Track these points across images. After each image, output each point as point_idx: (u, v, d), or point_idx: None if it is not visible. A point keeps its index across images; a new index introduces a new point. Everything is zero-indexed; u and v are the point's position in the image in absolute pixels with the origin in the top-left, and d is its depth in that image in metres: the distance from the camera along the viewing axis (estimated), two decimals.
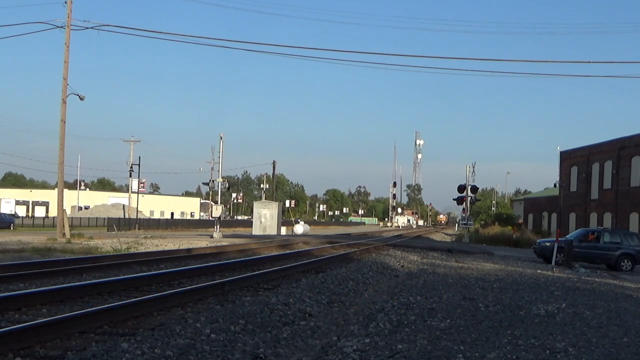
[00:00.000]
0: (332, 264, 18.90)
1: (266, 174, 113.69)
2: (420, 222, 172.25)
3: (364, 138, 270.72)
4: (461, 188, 45.84)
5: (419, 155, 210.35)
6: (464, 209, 47.38)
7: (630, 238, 28.78)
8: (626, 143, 49.91)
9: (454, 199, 47.47)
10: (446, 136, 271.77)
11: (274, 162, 79.21)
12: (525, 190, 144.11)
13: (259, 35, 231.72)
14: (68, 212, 50.29)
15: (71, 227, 36.31)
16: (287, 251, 24.48)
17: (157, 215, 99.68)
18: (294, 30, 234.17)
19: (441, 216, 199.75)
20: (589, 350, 7.65)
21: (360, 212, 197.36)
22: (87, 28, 33.17)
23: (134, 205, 75.65)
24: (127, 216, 69.94)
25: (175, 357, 6.43)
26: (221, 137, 42.05)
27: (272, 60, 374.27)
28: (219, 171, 42.92)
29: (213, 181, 45.55)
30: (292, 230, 54.09)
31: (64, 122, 32.72)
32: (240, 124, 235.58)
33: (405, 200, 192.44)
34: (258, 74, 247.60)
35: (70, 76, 32.80)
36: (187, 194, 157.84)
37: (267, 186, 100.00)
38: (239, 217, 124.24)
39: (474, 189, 46.43)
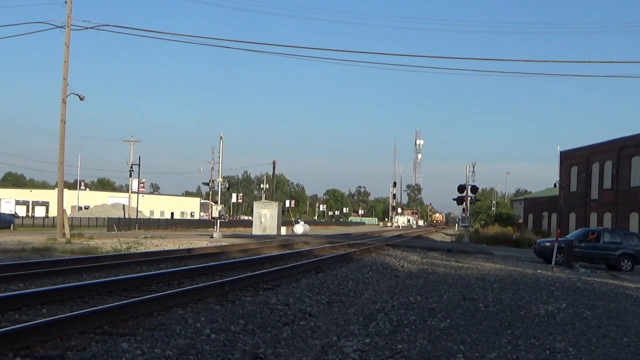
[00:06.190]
0: (332, 264, 18.91)
1: (266, 174, 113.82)
2: (421, 222, 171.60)
3: (364, 138, 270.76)
4: (461, 188, 45.83)
5: (419, 155, 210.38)
6: (464, 209, 47.38)
7: (630, 238, 28.77)
8: (626, 143, 49.90)
9: (454, 199, 47.41)
10: (446, 136, 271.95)
11: (274, 162, 79.35)
12: (525, 190, 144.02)
13: (259, 35, 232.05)
14: (68, 212, 50.29)
15: (71, 227, 36.31)
16: (287, 251, 24.48)
17: (157, 215, 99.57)
18: (294, 30, 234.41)
19: (437, 215, 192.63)
20: (589, 350, 7.65)
21: (360, 212, 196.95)
22: (87, 28, 33.24)
23: (134, 205, 75.63)
24: (127, 216, 69.93)
25: (175, 357, 6.43)
26: (221, 137, 42.07)
27: (271, 60, 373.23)
28: (219, 171, 42.98)
29: (213, 181, 45.53)
30: (292, 230, 54.06)
31: (64, 122, 32.73)
32: (240, 124, 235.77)
33: (405, 200, 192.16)
34: (258, 74, 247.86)
35: (70, 76, 32.86)
36: (187, 194, 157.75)
37: (267, 186, 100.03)
38: (240, 217, 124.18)
39: (474, 189, 46.40)
